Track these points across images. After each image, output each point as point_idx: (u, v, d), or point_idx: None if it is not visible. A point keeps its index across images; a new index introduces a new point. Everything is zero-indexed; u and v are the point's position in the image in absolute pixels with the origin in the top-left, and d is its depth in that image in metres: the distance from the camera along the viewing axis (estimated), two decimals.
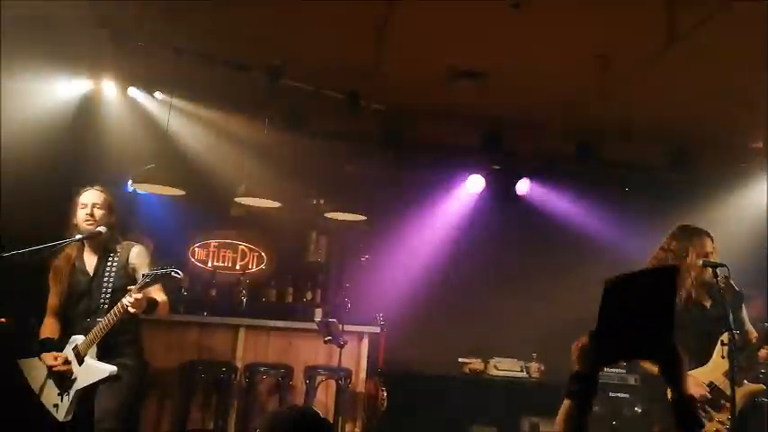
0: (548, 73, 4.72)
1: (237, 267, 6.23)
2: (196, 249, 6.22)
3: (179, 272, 2.88)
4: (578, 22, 3.93)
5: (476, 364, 5.92)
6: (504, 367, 5.79)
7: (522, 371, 5.86)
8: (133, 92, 5.36)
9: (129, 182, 5.53)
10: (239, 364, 5.06)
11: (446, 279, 5.90)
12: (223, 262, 6.24)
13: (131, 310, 2.82)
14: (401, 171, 5.94)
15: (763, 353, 2.89)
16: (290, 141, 5.74)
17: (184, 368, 4.86)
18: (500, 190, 6.03)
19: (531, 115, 5.53)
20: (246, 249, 6.32)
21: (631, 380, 5.42)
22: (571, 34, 4.09)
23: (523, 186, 5.99)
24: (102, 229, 3.07)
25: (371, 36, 4.23)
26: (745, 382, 2.88)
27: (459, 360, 5.97)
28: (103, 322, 2.92)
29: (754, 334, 3.03)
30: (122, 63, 4.67)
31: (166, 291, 3.16)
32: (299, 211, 6.13)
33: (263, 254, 6.31)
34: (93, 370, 2.95)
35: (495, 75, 4.86)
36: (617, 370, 5.50)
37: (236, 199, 5.45)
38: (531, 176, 5.97)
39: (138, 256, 3.18)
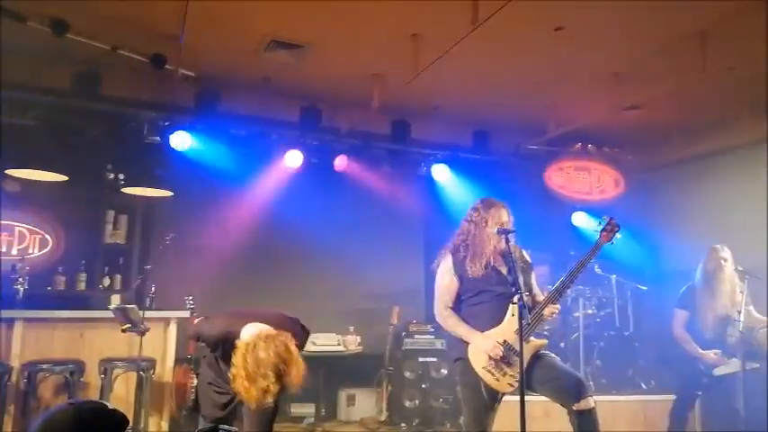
0: (365, 49, 4.73)
1: (14, 252, 5.31)
2: None
3: None
4: None
5: None
6: (322, 342, 5.80)
7: (338, 344, 5.93)
8: None
9: None
10: (15, 364, 4.36)
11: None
12: None
13: None
14: (214, 143, 5.55)
15: (546, 311, 3.21)
16: (80, 107, 5.02)
17: None
18: (318, 166, 5.98)
19: (348, 92, 5.54)
20: (25, 231, 5.41)
21: (438, 344, 5.78)
22: (386, 11, 4.11)
23: (341, 163, 6.01)
24: None
25: None
26: (532, 338, 3.19)
27: None
28: None
29: (540, 296, 3.38)
30: None
31: None
32: (93, 187, 5.42)
33: (46, 236, 5.46)
34: None
35: (313, 48, 4.75)
36: (427, 336, 5.84)
37: (8, 171, 4.61)
38: (348, 153, 6.01)
39: None
